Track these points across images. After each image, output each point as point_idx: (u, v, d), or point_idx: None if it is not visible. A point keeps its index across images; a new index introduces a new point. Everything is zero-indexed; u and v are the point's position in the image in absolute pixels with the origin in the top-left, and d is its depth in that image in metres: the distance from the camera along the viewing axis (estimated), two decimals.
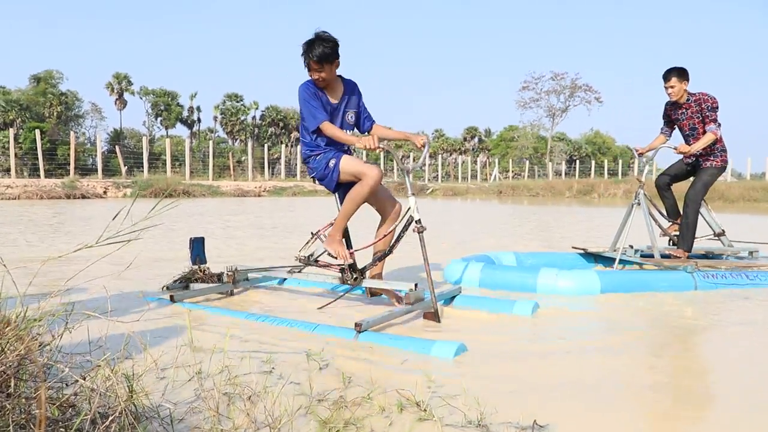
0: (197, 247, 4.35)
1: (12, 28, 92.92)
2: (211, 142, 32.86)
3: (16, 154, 26.07)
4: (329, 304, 3.99)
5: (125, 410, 1.73)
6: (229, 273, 4.23)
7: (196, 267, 4.29)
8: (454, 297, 4.05)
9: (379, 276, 3.98)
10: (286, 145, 47.44)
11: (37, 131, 26.06)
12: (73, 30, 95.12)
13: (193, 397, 2.19)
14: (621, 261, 5.44)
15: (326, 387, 2.36)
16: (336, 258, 3.75)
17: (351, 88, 3.85)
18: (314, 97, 3.66)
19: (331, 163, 3.69)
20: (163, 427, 1.89)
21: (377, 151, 3.44)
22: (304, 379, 2.46)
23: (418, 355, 2.83)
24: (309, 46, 3.56)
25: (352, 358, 2.80)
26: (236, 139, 53.50)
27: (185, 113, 53.20)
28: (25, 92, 41.59)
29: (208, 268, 4.32)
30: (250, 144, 35.19)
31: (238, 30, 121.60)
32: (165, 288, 4.05)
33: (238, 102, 53.26)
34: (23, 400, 1.65)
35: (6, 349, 1.74)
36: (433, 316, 3.55)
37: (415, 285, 3.55)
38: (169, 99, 51.30)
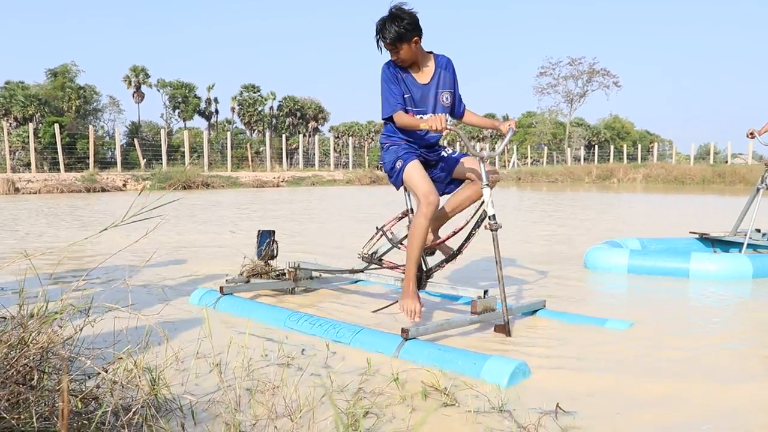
0: (263, 240, 4.00)
1: (28, 23, 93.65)
2: (228, 134, 32.96)
3: (35, 149, 26.35)
4: (386, 307, 3.57)
5: (147, 402, 1.74)
6: (291, 270, 3.97)
7: (261, 262, 4.00)
8: (536, 310, 3.53)
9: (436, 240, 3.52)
10: (304, 135, 47.43)
11: (57, 126, 26.23)
12: (89, 24, 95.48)
13: (213, 388, 2.20)
14: (749, 245, 5.32)
15: (347, 379, 2.36)
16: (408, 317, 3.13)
17: (444, 65, 3.30)
18: (394, 80, 3.20)
19: (398, 164, 3.26)
20: (185, 417, 1.90)
21: (444, 132, 3.00)
22: (325, 372, 2.46)
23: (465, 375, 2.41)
24: (382, 26, 3.11)
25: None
26: (254, 130, 53.55)
27: (203, 105, 53.24)
28: (43, 87, 41.80)
29: (268, 264, 4.04)
30: (267, 134, 35.25)
31: (253, 21, 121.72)
32: (227, 281, 3.80)
33: (255, 93, 53.20)
34: (46, 392, 1.67)
35: (29, 342, 1.75)
36: (504, 329, 3.05)
37: (485, 292, 3.13)
38: (187, 91, 51.37)
